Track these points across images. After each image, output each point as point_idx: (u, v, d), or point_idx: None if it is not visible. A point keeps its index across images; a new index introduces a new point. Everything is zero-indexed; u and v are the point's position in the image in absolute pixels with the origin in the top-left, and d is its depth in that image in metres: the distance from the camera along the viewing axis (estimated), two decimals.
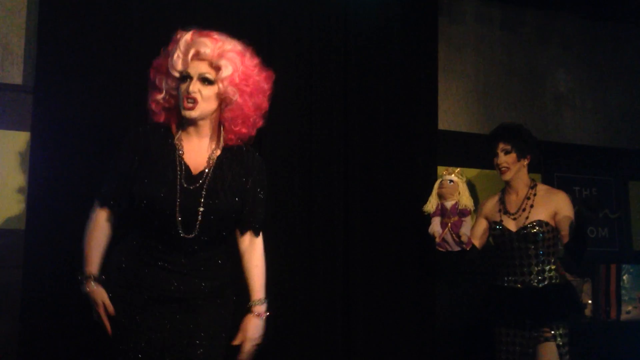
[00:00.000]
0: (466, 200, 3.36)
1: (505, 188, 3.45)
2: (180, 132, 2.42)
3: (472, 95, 4.19)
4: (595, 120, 4.54)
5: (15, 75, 3.12)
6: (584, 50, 4.54)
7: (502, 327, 3.31)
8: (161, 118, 2.44)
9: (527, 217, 3.30)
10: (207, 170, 2.37)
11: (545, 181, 4.14)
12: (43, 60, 3.05)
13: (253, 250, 2.50)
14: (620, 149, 4.55)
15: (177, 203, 2.29)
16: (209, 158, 2.40)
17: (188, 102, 2.32)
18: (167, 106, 2.43)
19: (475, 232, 3.42)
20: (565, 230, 3.25)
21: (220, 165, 2.40)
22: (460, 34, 4.19)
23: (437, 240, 3.33)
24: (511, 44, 4.35)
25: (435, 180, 3.53)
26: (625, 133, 4.60)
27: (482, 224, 3.46)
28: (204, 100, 2.33)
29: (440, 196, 3.38)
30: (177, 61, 2.34)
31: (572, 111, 4.48)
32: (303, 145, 3.49)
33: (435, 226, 3.35)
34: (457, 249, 3.34)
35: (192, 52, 2.33)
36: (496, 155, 3.37)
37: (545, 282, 3.24)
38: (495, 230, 3.38)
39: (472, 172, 4.02)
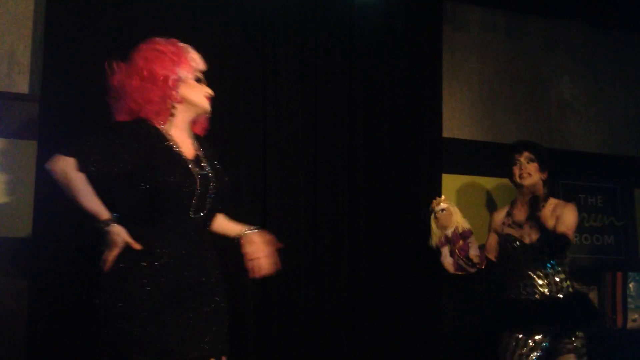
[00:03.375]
0: (462, 222, 3.45)
1: (516, 199, 3.44)
2: (166, 124, 2.42)
3: (476, 102, 4.20)
4: (600, 128, 4.53)
5: (21, 84, 3.14)
6: (589, 58, 4.54)
7: (516, 333, 3.25)
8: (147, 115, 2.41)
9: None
10: (199, 156, 2.41)
11: (550, 188, 4.12)
12: (49, 69, 3.07)
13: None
14: (625, 156, 4.54)
15: (196, 187, 2.31)
16: (193, 145, 2.43)
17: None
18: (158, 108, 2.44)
19: (488, 246, 3.47)
20: (562, 228, 3.25)
21: (202, 151, 2.45)
22: (464, 41, 4.20)
23: (452, 271, 3.41)
24: (515, 51, 4.35)
25: (440, 187, 3.59)
26: (631, 140, 4.59)
27: (494, 237, 3.48)
28: None
29: (440, 227, 3.45)
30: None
31: (576, 118, 4.48)
32: (307, 153, 3.49)
33: (446, 257, 3.43)
34: (472, 270, 3.41)
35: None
36: (516, 163, 3.35)
37: (563, 292, 3.26)
38: (510, 243, 3.36)
39: (476, 180, 4.02)
